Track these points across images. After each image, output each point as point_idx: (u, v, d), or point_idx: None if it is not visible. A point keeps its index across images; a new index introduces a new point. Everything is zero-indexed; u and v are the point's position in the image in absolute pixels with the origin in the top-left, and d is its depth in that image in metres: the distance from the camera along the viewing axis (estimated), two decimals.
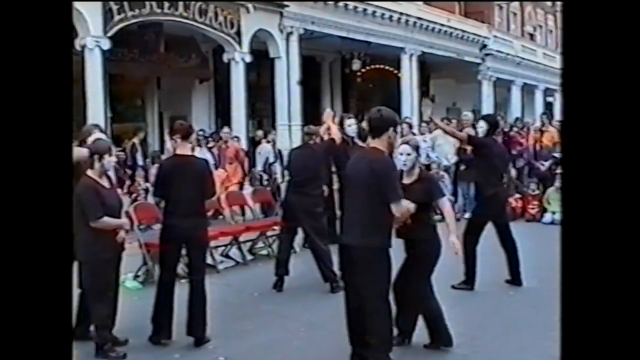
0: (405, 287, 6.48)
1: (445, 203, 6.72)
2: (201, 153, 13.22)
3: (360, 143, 9.49)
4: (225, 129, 16.94)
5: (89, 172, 6.23)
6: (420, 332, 6.90)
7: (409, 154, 6.64)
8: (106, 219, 6.19)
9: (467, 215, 15.78)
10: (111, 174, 7.09)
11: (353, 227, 5.76)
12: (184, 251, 7.07)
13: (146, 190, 13.93)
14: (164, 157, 12.90)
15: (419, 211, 6.22)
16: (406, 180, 6.52)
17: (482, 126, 9.24)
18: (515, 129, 17.58)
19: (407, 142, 6.87)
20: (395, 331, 6.25)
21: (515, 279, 9.19)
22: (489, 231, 13.99)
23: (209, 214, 10.20)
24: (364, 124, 6.52)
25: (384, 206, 5.67)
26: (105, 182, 6.42)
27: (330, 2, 20.82)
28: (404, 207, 5.84)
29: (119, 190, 7.79)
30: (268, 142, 16.61)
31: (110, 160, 6.45)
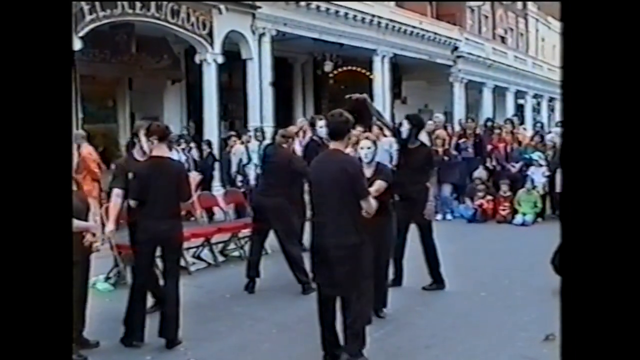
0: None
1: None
2: (175, 154, 13.20)
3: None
4: (78, 131, 13.73)
5: None
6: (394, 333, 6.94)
7: (369, 147, 7.28)
8: (73, 221, 6.10)
9: (438, 217, 15.89)
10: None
11: (329, 228, 5.92)
12: (157, 253, 7.04)
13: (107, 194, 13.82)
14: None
15: (380, 200, 6.63)
16: (367, 174, 6.78)
17: (405, 125, 9.11)
18: (497, 131, 17.64)
19: (366, 137, 7.62)
20: None
21: (437, 281, 9.05)
22: (461, 233, 14.12)
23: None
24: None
25: (356, 204, 5.96)
26: (72, 184, 6.36)
27: (302, 4, 20.83)
28: (373, 202, 6.13)
29: None
30: (242, 143, 16.56)
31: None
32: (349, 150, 7.12)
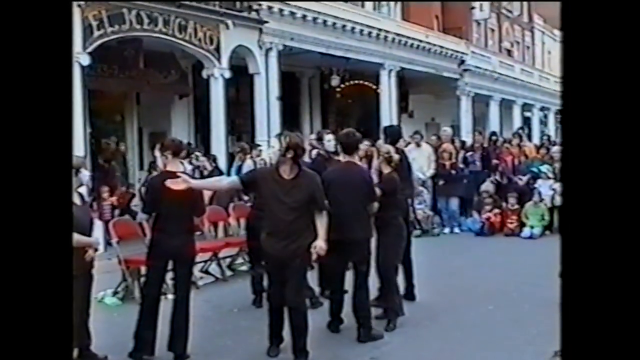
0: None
1: None
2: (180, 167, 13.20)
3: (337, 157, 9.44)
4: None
5: None
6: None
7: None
8: (75, 236, 6.04)
9: (446, 230, 15.88)
10: (83, 190, 7.04)
11: (352, 224, 7.23)
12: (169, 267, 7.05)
13: (113, 208, 13.85)
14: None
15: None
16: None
17: (381, 138, 9.29)
18: (506, 145, 17.63)
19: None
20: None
21: (408, 294, 9.01)
22: (468, 246, 14.10)
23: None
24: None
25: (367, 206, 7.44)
26: (77, 199, 6.35)
27: (309, 19, 20.90)
28: (376, 205, 7.55)
29: None
30: (251, 157, 16.50)
31: (85, 174, 6.42)
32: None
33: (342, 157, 7.68)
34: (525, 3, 46.67)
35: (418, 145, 16.09)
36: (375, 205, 7.56)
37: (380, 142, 9.20)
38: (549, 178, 15.52)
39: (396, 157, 8.32)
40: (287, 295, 6.62)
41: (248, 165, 16.22)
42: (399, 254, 8.20)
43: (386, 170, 8.08)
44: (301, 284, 6.87)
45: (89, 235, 6.44)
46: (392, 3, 29.49)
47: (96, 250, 6.64)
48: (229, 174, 16.79)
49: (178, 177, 6.96)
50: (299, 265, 6.67)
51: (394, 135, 9.37)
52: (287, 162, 6.60)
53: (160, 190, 6.83)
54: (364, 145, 8.72)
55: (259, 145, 17.52)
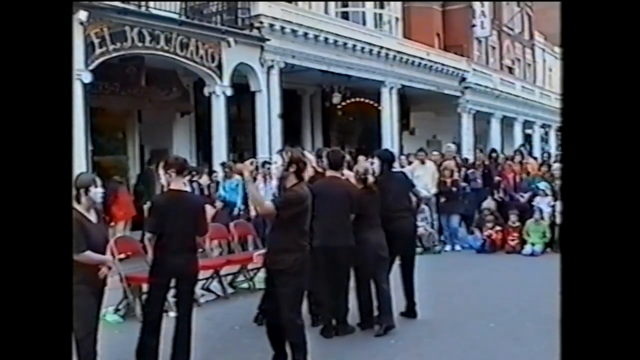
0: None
1: None
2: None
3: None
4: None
5: (76, 206, 6.08)
6: None
7: None
8: (89, 253, 5.97)
9: (447, 247, 15.87)
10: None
11: (336, 233, 7.94)
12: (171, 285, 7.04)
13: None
14: None
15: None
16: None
17: (375, 162, 9.31)
18: (509, 162, 17.65)
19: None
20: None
21: (409, 311, 9.07)
22: (470, 263, 14.08)
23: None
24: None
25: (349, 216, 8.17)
26: (92, 216, 6.31)
27: (310, 37, 21.00)
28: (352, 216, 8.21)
29: None
30: (264, 175, 16.34)
31: (96, 192, 6.37)
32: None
33: (328, 172, 8.35)
34: (526, 21, 46.84)
35: (422, 162, 16.12)
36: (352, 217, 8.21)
37: (376, 164, 9.19)
38: (546, 195, 15.51)
39: (370, 179, 8.43)
40: (280, 312, 6.55)
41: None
42: (374, 266, 8.36)
43: (358, 187, 8.43)
44: (291, 300, 6.57)
45: (103, 253, 6.41)
46: (393, 21, 29.61)
47: (110, 268, 6.60)
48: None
49: (182, 195, 6.99)
50: (285, 281, 6.48)
51: (387, 159, 9.40)
52: (289, 177, 6.62)
53: (165, 209, 6.85)
54: (361, 162, 8.96)
55: (267, 162, 17.25)
